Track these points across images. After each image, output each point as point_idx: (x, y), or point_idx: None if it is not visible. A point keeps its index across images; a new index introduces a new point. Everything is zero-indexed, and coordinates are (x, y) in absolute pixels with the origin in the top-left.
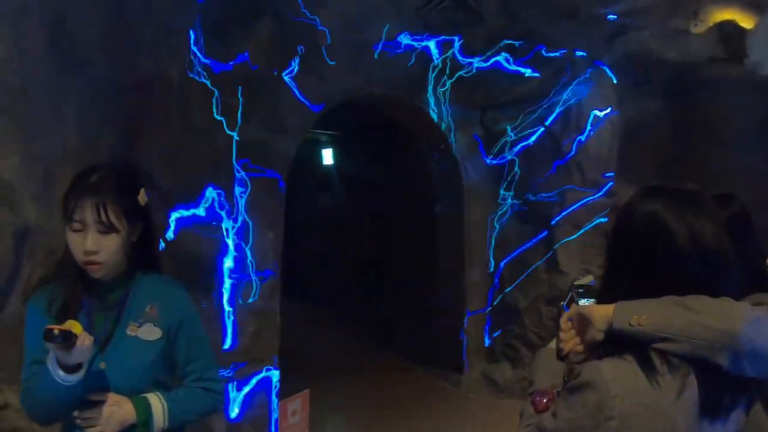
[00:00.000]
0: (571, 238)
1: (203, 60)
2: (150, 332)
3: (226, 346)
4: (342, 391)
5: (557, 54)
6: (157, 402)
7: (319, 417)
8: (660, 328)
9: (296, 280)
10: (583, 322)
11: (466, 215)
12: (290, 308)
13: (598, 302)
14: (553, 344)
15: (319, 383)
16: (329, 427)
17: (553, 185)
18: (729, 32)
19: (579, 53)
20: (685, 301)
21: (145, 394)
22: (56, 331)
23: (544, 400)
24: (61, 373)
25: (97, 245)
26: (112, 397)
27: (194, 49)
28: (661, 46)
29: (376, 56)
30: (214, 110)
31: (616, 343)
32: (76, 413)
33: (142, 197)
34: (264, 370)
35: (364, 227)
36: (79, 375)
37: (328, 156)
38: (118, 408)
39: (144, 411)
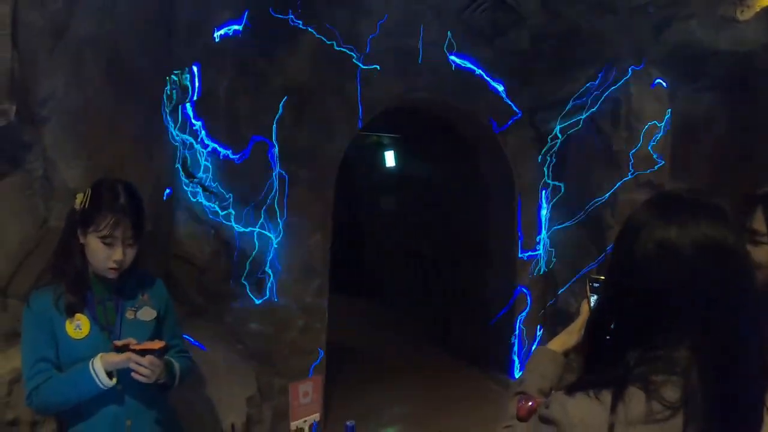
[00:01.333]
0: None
1: (249, 75)
2: (147, 314)
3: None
4: (390, 386)
5: (604, 50)
6: (175, 363)
7: (364, 409)
8: None
9: (358, 279)
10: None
11: (517, 216)
12: (352, 306)
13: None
14: (552, 344)
15: (369, 377)
16: (372, 419)
17: (605, 186)
18: None
19: (626, 48)
20: None
21: (169, 359)
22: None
23: (530, 404)
24: (106, 378)
25: (125, 256)
26: (161, 342)
27: (240, 65)
28: (710, 36)
29: (420, 61)
30: (261, 120)
31: (597, 370)
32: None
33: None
34: (311, 363)
35: (423, 228)
36: (115, 379)
37: (390, 158)
38: (159, 360)
39: (171, 366)
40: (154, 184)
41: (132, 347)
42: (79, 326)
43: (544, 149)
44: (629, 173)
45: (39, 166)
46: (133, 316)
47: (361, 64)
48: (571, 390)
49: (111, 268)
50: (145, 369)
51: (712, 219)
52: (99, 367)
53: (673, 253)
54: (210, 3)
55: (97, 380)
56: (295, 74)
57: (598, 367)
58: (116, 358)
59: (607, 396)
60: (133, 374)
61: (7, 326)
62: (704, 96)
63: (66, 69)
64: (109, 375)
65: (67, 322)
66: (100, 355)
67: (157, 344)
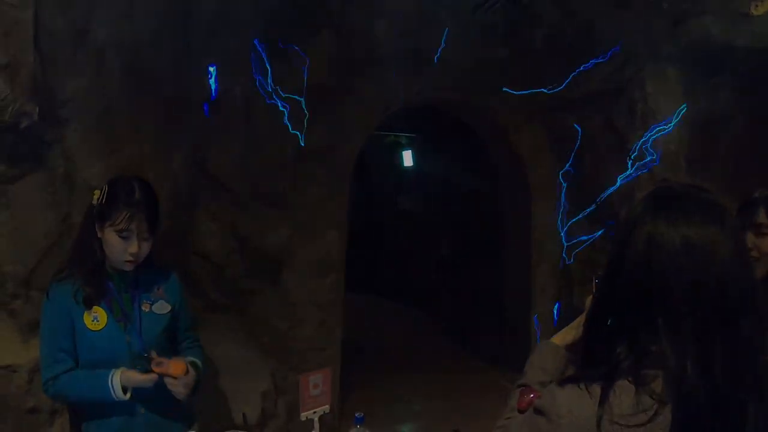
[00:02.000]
0: None
1: (263, 76)
2: (162, 307)
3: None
4: (406, 383)
5: (618, 47)
6: (198, 362)
7: (379, 406)
8: None
9: (375, 277)
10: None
11: (532, 215)
12: (369, 304)
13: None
14: (555, 338)
15: (384, 375)
16: (388, 415)
17: (621, 184)
18: None
19: (641, 45)
20: None
21: (190, 357)
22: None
23: (530, 396)
24: (121, 393)
25: (140, 249)
26: (181, 366)
27: (256, 66)
28: (726, 32)
29: (436, 61)
30: (277, 120)
31: (591, 365)
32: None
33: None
34: (327, 359)
35: (441, 227)
36: (129, 394)
37: (408, 158)
38: (190, 373)
39: (196, 367)
40: (173, 182)
41: (154, 368)
42: (96, 318)
43: (559, 148)
44: (645, 170)
45: (61, 165)
46: (148, 309)
47: (375, 65)
48: (563, 382)
49: (127, 261)
50: (181, 390)
51: (706, 216)
52: (117, 381)
53: (660, 248)
54: (226, 4)
55: (111, 392)
56: (310, 74)
57: (593, 361)
58: (136, 377)
59: (597, 389)
60: (168, 387)
61: (29, 317)
62: (721, 93)
63: (87, 71)
64: (124, 389)
65: (85, 314)
66: (121, 369)
67: (179, 369)
